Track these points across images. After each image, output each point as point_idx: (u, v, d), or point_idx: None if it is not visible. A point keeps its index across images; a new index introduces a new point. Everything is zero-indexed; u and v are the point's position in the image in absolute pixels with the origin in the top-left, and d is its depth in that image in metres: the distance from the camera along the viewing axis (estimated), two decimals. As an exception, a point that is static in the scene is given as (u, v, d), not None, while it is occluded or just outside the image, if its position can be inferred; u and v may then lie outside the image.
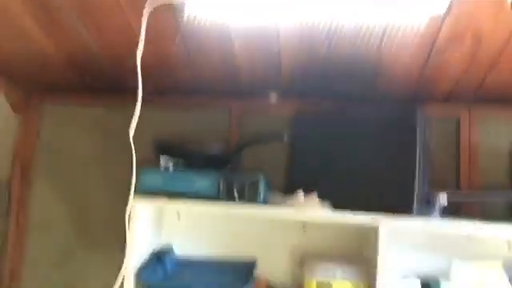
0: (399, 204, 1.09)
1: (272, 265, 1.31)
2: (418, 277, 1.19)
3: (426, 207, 1.11)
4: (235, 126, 1.44)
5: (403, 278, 1.18)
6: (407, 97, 1.33)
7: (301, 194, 1.17)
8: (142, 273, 1.19)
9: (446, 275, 1.17)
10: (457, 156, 1.32)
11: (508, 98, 1.28)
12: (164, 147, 1.30)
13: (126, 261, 1.00)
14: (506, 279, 1.14)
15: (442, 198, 1.09)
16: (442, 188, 1.17)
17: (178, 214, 1.38)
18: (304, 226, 1.31)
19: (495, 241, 1.21)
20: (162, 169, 1.26)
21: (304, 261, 1.28)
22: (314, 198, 1.15)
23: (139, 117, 0.91)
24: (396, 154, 1.15)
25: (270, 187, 1.24)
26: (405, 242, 1.23)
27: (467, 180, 1.28)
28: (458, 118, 1.34)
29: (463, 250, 1.20)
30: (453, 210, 1.16)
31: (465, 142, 1.31)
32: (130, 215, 1.00)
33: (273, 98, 1.42)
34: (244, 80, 1.35)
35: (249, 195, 1.17)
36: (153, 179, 1.24)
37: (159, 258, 1.25)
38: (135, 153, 0.92)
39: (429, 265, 1.23)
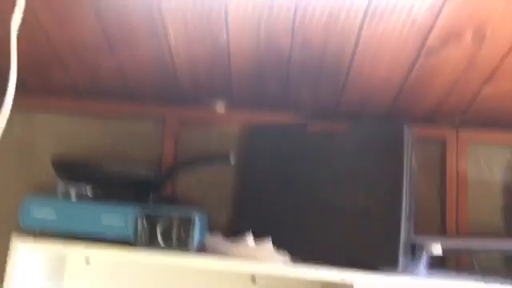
0: (379, 255, 0.81)
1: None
2: None
3: (411, 259, 0.84)
4: (169, 142, 1.11)
5: None
6: (383, 112, 1.08)
7: (250, 238, 0.85)
8: None
9: None
10: (442, 189, 1.07)
11: (504, 115, 1.05)
12: (64, 167, 0.95)
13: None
14: None
15: (435, 248, 0.82)
16: (426, 232, 0.93)
17: (87, 258, 1.03)
18: (254, 278, 0.99)
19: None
20: (59, 197, 0.93)
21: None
22: (268, 245, 0.84)
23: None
24: (376, 185, 0.87)
25: (209, 226, 0.92)
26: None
27: (454, 221, 1.02)
28: (444, 141, 1.10)
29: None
30: (438, 261, 0.91)
31: (452, 171, 1.07)
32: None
33: (219, 107, 1.12)
34: (182, 82, 1.04)
35: (178, 240, 0.84)
36: (43, 212, 0.90)
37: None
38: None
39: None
